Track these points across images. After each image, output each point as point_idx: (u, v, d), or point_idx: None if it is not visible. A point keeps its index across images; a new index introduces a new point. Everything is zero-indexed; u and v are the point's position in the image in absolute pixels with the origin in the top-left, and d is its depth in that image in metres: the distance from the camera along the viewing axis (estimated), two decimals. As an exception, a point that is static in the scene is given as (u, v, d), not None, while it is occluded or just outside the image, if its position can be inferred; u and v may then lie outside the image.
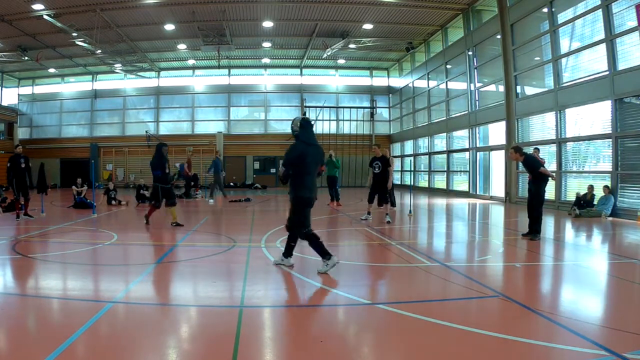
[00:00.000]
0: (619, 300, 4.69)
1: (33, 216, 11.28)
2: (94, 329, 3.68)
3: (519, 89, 16.65)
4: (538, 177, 8.33)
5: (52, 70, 27.64)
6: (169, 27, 20.93)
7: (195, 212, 14.15)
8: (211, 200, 17.28)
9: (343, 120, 29.74)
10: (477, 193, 19.38)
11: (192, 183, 20.20)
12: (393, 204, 13.93)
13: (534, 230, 8.13)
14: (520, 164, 14.98)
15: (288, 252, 5.91)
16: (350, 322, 4.18)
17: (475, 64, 19.46)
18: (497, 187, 18.06)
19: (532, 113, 15.83)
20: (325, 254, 5.47)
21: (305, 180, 5.44)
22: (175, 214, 10.12)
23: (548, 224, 11.43)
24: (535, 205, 8.24)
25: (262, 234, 8.62)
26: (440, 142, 23.75)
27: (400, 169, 28.85)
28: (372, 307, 4.40)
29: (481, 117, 19.07)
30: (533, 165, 8.43)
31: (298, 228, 5.52)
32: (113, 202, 15.26)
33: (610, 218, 11.59)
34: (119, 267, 6.36)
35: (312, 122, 5.67)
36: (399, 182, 28.64)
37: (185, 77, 29.73)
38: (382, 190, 10.40)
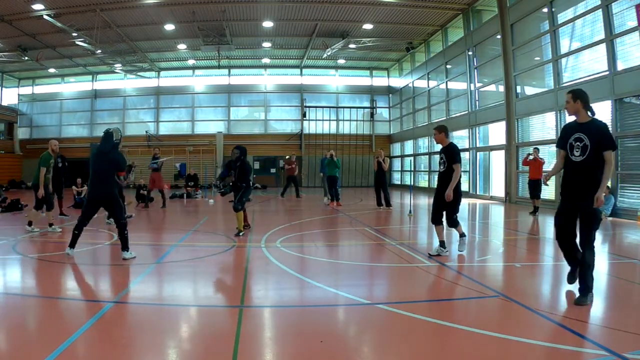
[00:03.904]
0: (619, 300, 4.69)
1: (67, 215, 11.38)
2: (94, 329, 3.67)
3: (519, 89, 16.66)
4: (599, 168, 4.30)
5: (52, 70, 27.64)
6: (169, 27, 20.93)
7: (195, 212, 14.15)
8: (211, 201, 17.28)
9: (343, 120, 29.74)
10: (477, 193, 19.38)
11: (192, 183, 20.20)
12: (388, 204, 13.93)
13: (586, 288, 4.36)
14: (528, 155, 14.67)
15: (74, 242, 6.49)
16: (350, 322, 4.18)
17: (475, 64, 19.46)
18: (497, 187, 18.06)
19: (532, 113, 15.83)
20: (71, 245, 6.44)
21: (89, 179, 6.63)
22: (241, 219, 8.62)
23: (548, 223, 11.43)
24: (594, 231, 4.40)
25: (262, 234, 8.61)
26: (440, 142, 23.70)
27: (400, 169, 28.86)
28: (372, 307, 4.40)
29: (481, 117, 19.07)
30: (613, 140, 4.47)
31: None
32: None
33: (610, 218, 11.58)
34: (119, 267, 6.35)
35: (111, 132, 6.56)
36: (399, 182, 28.67)
37: (185, 77, 29.73)
38: (446, 203, 6.56)
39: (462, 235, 6.90)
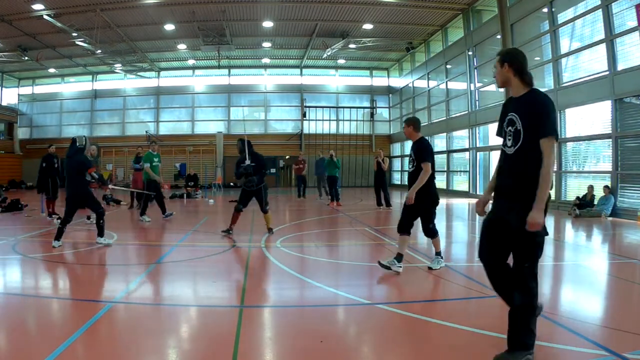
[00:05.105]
0: (619, 300, 4.69)
1: (58, 214, 11.45)
2: (94, 329, 3.67)
3: (519, 89, 16.64)
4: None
5: (52, 70, 27.64)
6: (169, 27, 20.93)
7: (195, 212, 14.14)
8: (211, 201, 17.29)
9: (343, 120, 29.74)
10: (477, 193, 19.37)
11: (192, 183, 20.20)
12: (388, 204, 13.91)
13: (517, 343, 2.99)
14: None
15: (59, 235, 7.17)
16: (350, 322, 4.18)
17: (475, 64, 19.46)
18: (497, 187, 18.05)
19: (532, 113, 15.81)
20: (57, 238, 7.08)
21: None
22: (270, 219, 8.86)
23: (548, 224, 11.42)
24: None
25: (262, 234, 8.61)
26: (440, 142, 23.75)
27: (400, 169, 28.86)
28: (372, 307, 4.40)
29: (481, 117, 19.07)
30: (553, 123, 3.03)
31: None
32: (111, 203, 15.26)
33: (610, 218, 11.59)
34: (119, 267, 6.36)
35: (75, 139, 7.50)
36: (399, 182, 28.67)
37: (185, 77, 29.73)
38: (420, 207, 5.68)
39: (437, 253, 5.85)
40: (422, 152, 5.52)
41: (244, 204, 8.63)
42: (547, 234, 3.00)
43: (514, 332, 2.97)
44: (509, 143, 3.06)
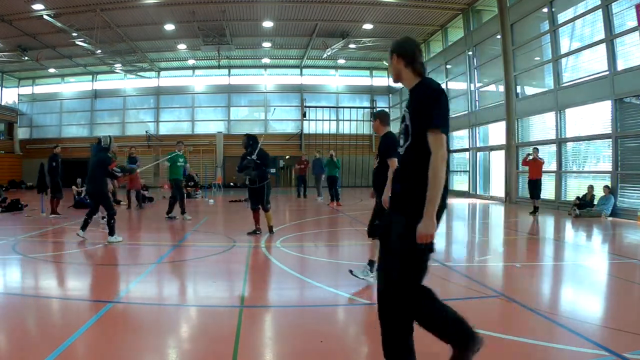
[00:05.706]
0: (619, 300, 4.69)
1: (61, 214, 11.61)
2: (94, 329, 3.67)
3: (519, 89, 16.65)
4: None
5: (52, 70, 27.61)
6: (169, 27, 20.92)
7: (195, 212, 14.14)
8: (211, 201, 17.28)
9: (343, 120, 29.73)
10: (477, 193, 19.37)
11: (192, 183, 20.19)
12: None
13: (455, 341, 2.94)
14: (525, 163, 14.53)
15: (84, 226, 7.68)
16: (350, 322, 4.18)
17: (475, 64, 19.45)
18: (497, 187, 18.05)
19: (532, 113, 15.83)
20: (82, 228, 7.62)
21: None
22: (271, 218, 8.84)
23: (548, 224, 11.44)
24: None
25: (262, 234, 8.61)
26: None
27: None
28: (372, 307, 4.39)
29: (481, 117, 19.06)
30: (440, 114, 2.60)
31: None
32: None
33: (610, 218, 11.58)
34: (119, 267, 6.36)
35: (100, 138, 7.99)
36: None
37: (185, 77, 29.70)
38: (377, 211, 5.13)
39: (370, 262, 5.11)
40: (388, 148, 4.76)
41: (254, 202, 8.70)
42: (432, 250, 2.56)
43: (445, 337, 2.85)
44: (401, 142, 2.68)
